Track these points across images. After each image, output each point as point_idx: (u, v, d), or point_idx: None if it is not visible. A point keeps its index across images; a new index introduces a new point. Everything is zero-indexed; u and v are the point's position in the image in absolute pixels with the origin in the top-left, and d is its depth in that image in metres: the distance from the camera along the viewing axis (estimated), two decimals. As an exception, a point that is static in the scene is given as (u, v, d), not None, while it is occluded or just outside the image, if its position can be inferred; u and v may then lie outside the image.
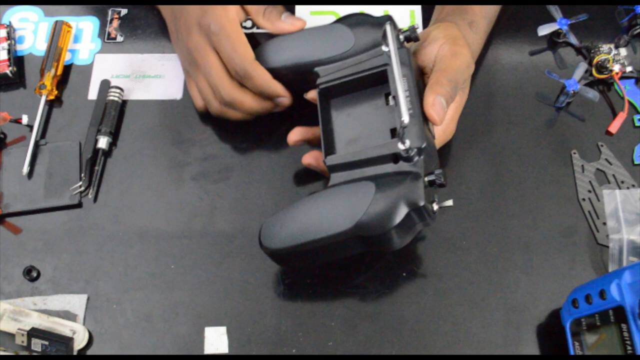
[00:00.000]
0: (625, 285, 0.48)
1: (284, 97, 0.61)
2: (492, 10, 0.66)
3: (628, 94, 0.66)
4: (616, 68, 0.66)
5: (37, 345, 0.55)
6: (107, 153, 0.65)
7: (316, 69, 0.58)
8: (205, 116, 0.65)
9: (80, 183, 0.63)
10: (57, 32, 0.68)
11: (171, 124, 0.66)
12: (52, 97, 0.67)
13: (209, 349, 0.57)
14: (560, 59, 0.69)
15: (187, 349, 0.57)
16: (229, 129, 0.66)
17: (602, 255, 0.60)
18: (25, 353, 0.55)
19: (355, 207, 0.51)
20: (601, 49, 0.68)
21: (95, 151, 0.64)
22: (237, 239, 0.61)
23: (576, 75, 0.65)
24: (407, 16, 0.72)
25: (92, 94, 0.68)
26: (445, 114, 0.53)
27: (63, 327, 0.56)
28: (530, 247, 0.60)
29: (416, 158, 0.51)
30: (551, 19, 0.68)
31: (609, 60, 0.66)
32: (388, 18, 0.57)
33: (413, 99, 0.52)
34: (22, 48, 0.71)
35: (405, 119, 0.49)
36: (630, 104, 0.66)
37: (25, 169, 0.63)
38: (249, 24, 0.71)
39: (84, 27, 0.72)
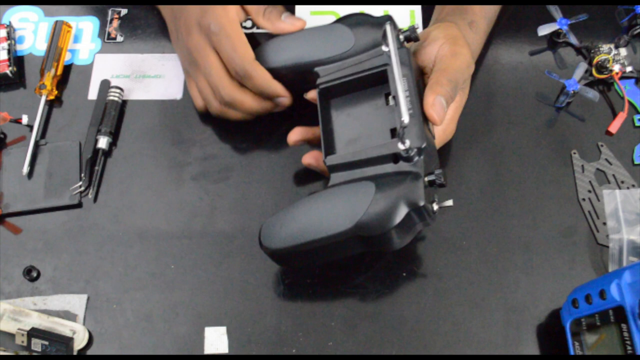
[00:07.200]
0: (625, 285, 0.48)
1: (284, 97, 0.61)
2: (492, 10, 0.66)
3: (628, 94, 0.66)
4: (616, 68, 0.66)
5: (37, 345, 0.55)
6: (107, 153, 0.65)
7: (316, 69, 0.58)
8: (205, 116, 0.65)
9: (80, 183, 0.63)
10: (57, 32, 0.68)
11: (171, 124, 0.66)
12: (52, 97, 0.67)
13: (209, 349, 0.57)
14: (560, 59, 0.69)
15: (187, 349, 0.57)
16: (229, 129, 0.66)
17: (602, 255, 0.60)
18: (25, 353, 0.55)
19: (355, 207, 0.51)
20: (601, 49, 0.67)
21: (95, 151, 0.64)
22: (237, 239, 0.61)
23: (576, 75, 0.65)
24: (407, 16, 0.72)
25: (92, 94, 0.68)
26: (445, 114, 0.53)
27: (63, 327, 0.56)
28: (530, 247, 0.60)
29: (416, 158, 0.51)
30: (551, 19, 0.68)
31: (609, 60, 0.66)
32: (388, 18, 0.57)
33: (413, 99, 0.52)
34: (22, 48, 0.71)
35: (405, 119, 0.49)
36: (630, 104, 0.66)
37: (25, 169, 0.63)
38: (249, 24, 0.71)
39: (84, 27, 0.72)
